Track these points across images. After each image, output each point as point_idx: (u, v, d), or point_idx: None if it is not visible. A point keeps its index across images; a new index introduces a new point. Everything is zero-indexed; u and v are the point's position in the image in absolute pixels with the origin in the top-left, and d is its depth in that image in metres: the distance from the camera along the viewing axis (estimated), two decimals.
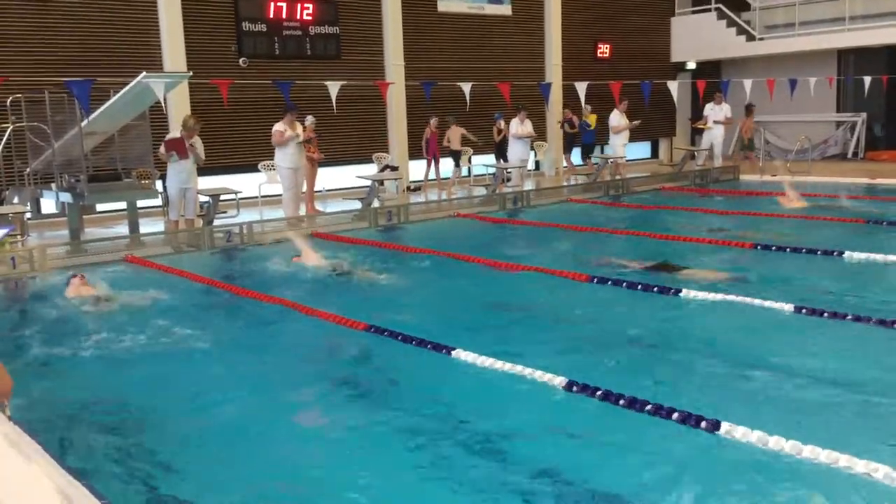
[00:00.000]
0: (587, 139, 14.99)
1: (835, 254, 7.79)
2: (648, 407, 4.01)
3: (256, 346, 5.69)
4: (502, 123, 15.01)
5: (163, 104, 10.07)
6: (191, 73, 10.95)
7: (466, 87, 12.78)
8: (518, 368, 4.67)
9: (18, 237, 8.80)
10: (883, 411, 4.01)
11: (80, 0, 12.00)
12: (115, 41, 12.27)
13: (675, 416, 3.90)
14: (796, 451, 3.47)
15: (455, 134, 14.70)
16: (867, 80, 15.19)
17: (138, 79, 9.01)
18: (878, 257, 7.53)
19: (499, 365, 4.77)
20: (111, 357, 5.36)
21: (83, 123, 8.88)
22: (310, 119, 12.12)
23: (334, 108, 11.33)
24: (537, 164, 17.14)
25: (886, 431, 3.79)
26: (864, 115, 17.66)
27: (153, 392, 4.70)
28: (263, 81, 13.26)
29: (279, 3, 13.67)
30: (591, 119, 14.97)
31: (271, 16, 13.61)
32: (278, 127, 11.24)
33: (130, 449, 3.88)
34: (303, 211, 12.00)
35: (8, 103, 10.11)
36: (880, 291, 6.58)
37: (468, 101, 12.92)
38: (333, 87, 11.23)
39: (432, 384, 4.72)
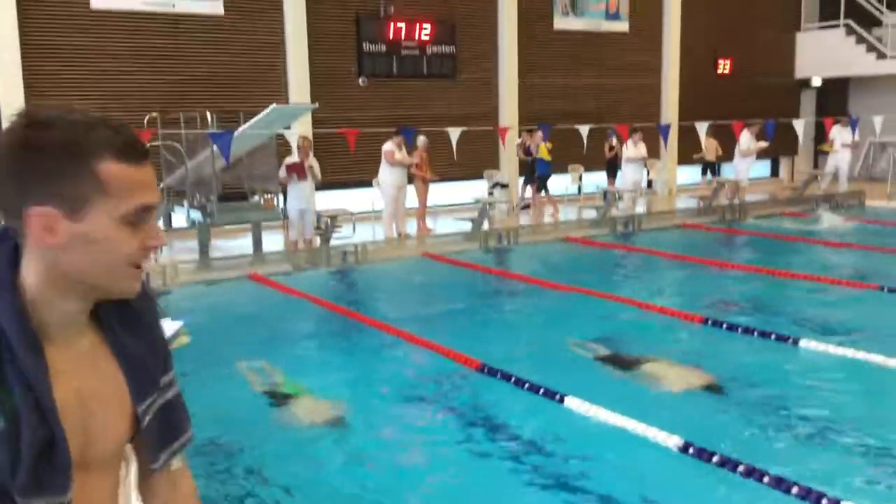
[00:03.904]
0: (541, 170, 13.80)
1: None
2: (767, 479, 3.94)
3: (367, 376, 5.91)
4: (615, 140, 14.85)
5: (287, 133, 10.58)
6: (317, 105, 11.43)
7: (584, 130, 12.87)
8: (630, 423, 4.67)
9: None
10: None
11: (211, 31, 12.61)
12: (244, 71, 12.84)
13: (795, 490, 3.83)
14: None
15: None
16: None
17: (268, 110, 9.50)
18: None
19: (610, 417, 4.79)
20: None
21: (214, 149, 9.40)
22: (422, 139, 12.38)
23: (453, 149, 11.70)
24: (650, 182, 16.87)
25: None
26: None
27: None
28: (381, 101, 13.65)
29: (398, 24, 14.00)
30: (543, 150, 13.71)
31: (391, 37, 13.97)
32: (389, 147, 11.59)
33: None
34: (410, 229, 12.27)
35: (145, 121, 10.76)
36: None
37: (585, 144, 12.98)
38: (454, 133, 11.68)
39: (543, 431, 4.78)
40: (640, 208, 13.98)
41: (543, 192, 13.98)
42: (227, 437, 4.66)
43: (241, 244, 10.98)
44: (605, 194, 13.68)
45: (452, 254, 10.59)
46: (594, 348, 6.44)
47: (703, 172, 16.74)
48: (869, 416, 4.86)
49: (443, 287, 9.29)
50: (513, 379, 5.51)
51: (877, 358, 5.77)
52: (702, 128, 13.61)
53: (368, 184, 12.33)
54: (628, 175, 13.99)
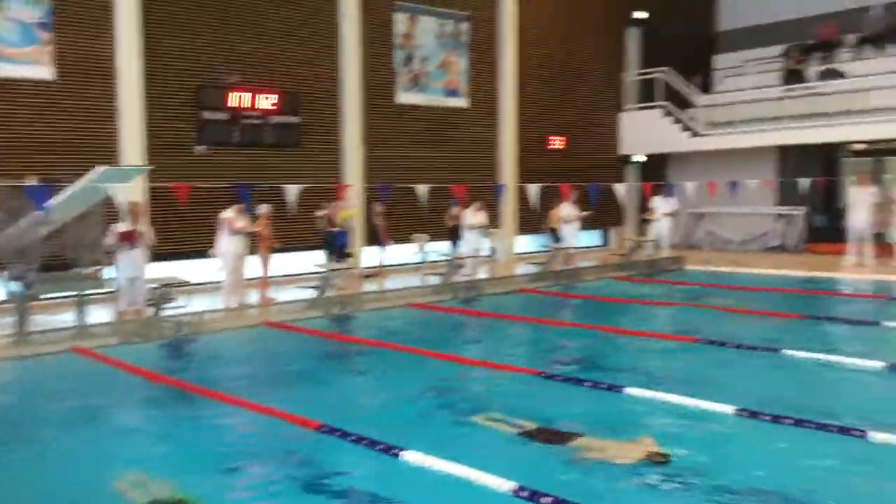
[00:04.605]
0: (339, 240, 13.38)
1: (772, 350, 8.05)
2: None
3: (195, 446, 5.63)
4: (456, 209, 15.26)
5: (115, 197, 10.13)
6: (150, 167, 11.07)
7: (422, 189, 13.19)
8: (466, 471, 4.72)
9: None
10: None
11: (39, 96, 12.04)
12: (75, 138, 12.30)
13: None
14: None
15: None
16: (804, 181, 15.90)
17: (95, 172, 9.08)
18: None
19: (447, 467, 4.82)
20: None
21: (34, 217, 8.86)
22: (265, 207, 12.23)
23: (293, 208, 11.58)
24: (492, 250, 17.41)
25: None
26: (804, 208, 18.40)
27: None
28: (222, 170, 13.41)
29: (241, 93, 13.90)
30: (343, 218, 13.42)
31: (233, 105, 13.83)
32: (229, 214, 11.30)
33: None
34: (251, 298, 11.97)
35: None
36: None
37: (423, 200, 13.26)
38: (292, 190, 11.55)
39: (380, 486, 4.72)
40: (482, 274, 14.36)
41: (343, 260, 13.56)
42: None
43: (67, 318, 10.29)
44: (447, 261, 13.98)
45: (295, 321, 10.41)
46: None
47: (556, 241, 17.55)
48: (693, 456, 5.12)
49: (285, 354, 9.09)
50: (351, 437, 5.46)
51: (692, 401, 6.19)
52: (532, 190, 14.33)
53: (205, 254, 11.95)
54: (469, 242, 14.39)
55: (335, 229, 13.23)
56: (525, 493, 4.38)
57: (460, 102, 17.53)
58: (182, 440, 5.80)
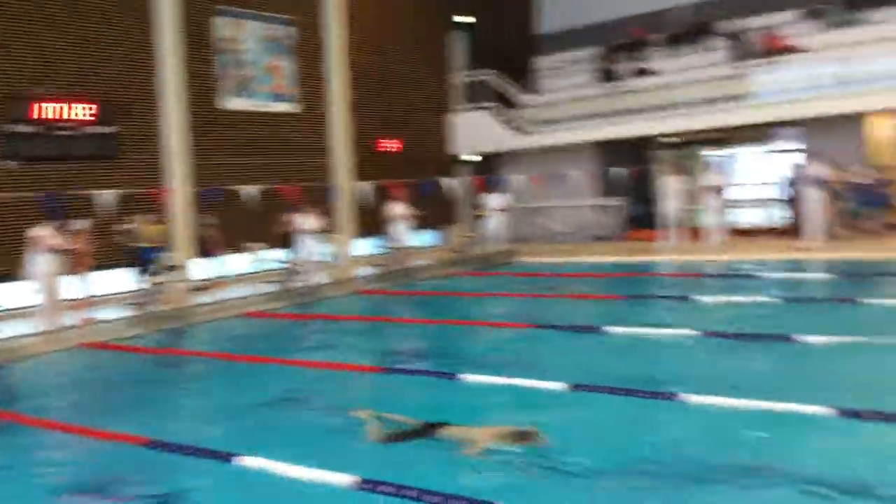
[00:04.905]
0: (147, 254, 12.21)
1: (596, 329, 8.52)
2: (437, 499, 4.14)
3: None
4: (289, 216, 14.98)
5: None
6: None
7: (251, 191, 12.86)
8: (309, 471, 4.67)
9: None
10: None
11: None
12: None
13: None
14: None
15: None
16: (620, 170, 16.92)
17: None
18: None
19: (288, 469, 4.74)
20: None
21: None
22: (83, 223, 11.46)
23: (112, 219, 10.88)
24: (329, 254, 17.26)
25: None
26: (623, 198, 19.55)
27: None
28: (33, 184, 12.48)
29: (52, 104, 12.97)
30: (148, 234, 12.28)
31: (42, 116, 12.88)
32: (41, 232, 10.46)
33: None
34: (69, 320, 11.18)
35: None
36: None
37: (252, 204, 12.93)
38: (109, 195, 10.86)
39: (223, 496, 4.57)
40: (320, 279, 14.21)
41: (156, 276, 12.86)
42: None
43: None
44: (284, 268, 13.74)
45: (120, 340, 9.87)
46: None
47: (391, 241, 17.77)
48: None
49: (109, 375, 8.57)
50: (187, 450, 5.26)
51: (530, 382, 6.44)
52: (363, 190, 14.35)
53: (13, 276, 11.01)
54: (305, 248, 14.19)
55: (142, 245, 12.39)
56: (368, 486, 4.39)
57: (289, 107, 17.27)
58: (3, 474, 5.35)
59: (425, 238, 18.17)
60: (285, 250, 14.85)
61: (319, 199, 15.19)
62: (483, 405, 6.06)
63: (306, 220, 14.14)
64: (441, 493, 4.18)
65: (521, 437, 4.92)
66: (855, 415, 5.08)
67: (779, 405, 5.35)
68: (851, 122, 16.13)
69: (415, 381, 6.97)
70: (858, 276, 11.38)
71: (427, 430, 5.21)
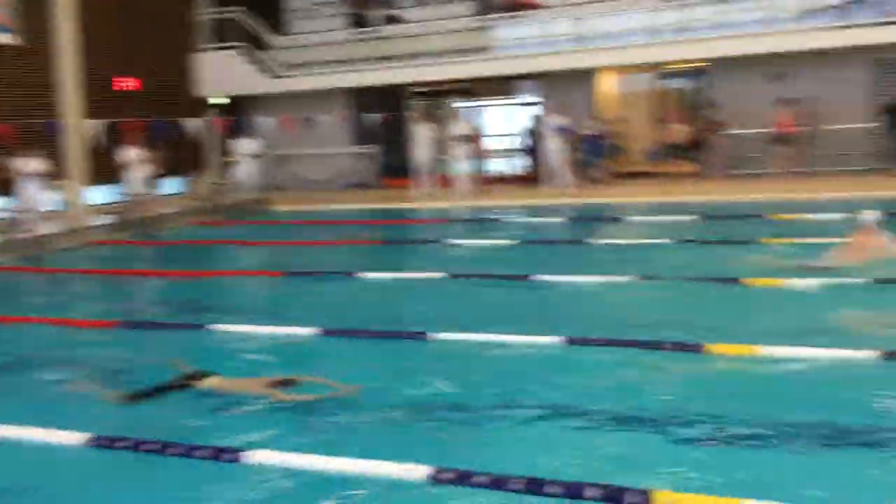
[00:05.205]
0: None
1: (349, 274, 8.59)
2: (180, 449, 3.96)
3: None
4: (8, 160, 13.37)
5: None
6: None
7: None
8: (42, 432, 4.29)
9: None
10: None
11: None
12: None
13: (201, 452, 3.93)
14: None
15: None
16: (374, 116, 17.05)
17: None
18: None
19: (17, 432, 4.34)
20: None
21: None
22: None
23: None
24: (58, 201, 15.70)
25: None
26: (377, 146, 19.73)
27: None
28: None
29: None
30: None
31: None
32: None
33: None
34: None
35: None
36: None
37: None
38: None
39: None
40: (48, 229, 12.89)
41: None
42: None
43: None
44: (3, 218, 12.29)
45: None
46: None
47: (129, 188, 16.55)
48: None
49: None
50: None
51: (282, 329, 6.33)
52: (94, 129, 13.20)
53: None
54: (29, 194, 12.76)
55: None
56: (104, 443, 4.11)
57: (9, 38, 15.30)
58: None
59: (171, 185, 17.17)
60: (5, 198, 13.30)
61: (46, 141, 13.69)
62: (236, 355, 5.86)
63: (28, 164, 12.70)
64: (183, 443, 4.02)
65: (286, 384, 4.85)
66: (580, 342, 5.57)
67: (518, 338, 5.73)
68: (585, 76, 17.45)
69: (160, 336, 6.59)
70: (592, 220, 12.43)
71: (186, 383, 4.99)
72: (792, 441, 3.88)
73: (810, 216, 10.65)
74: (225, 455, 3.91)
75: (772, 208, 11.50)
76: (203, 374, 5.06)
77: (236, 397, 4.78)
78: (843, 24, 15.06)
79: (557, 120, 15.31)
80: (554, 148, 15.32)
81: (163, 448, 4.03)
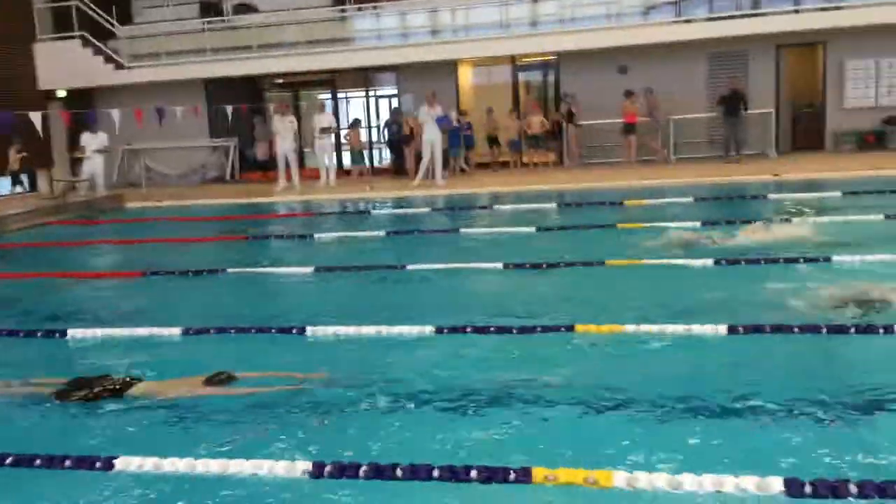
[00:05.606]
0: None
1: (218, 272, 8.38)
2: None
3: None
4: None
5: None
6: None
7: None
8: None
9: None
10: None
11: None
12: None
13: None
14: None
15: None
16: (230, 109, 16.60)
17: None
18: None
19: None
20: None
21: None
22: None
23: None
24: None
25: None
26: (235, 139, 19.18)
27: None
28: None
29: None
30: None
31: None
32: None
33: None
34: None
35: None
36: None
37: None
38: None
39: None
40: None
41: None
42: None
43: None
44: None
45: None
46: None
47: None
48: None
49: None
50: None
51: (145, 331, 6.12)
52: None
53: None
54: None
55: None
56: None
57: None
58: None
59: (15, 184, 16.12)
60: None
61: None
62: (98, 360, 5.60)
63: None
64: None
65: (216, 381, 4.81)
66: (449, 330, 5.71)
67: (392, 328, 5.80)
68: (447, 69, 17.68)
69: (23, 342, 6.21)
70: (458, 209, 12.64)
71: (117, 390, 4.81)
72: (652, 411, 4.16)
73: (658, 201, 11.35)
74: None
75: (624, 195, 12.15)
76: (134, 380, 4.93)
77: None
78: (681, 19, 16.08)
79: (437, 111, 15.27)
80: (432, 139, 15.24)
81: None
